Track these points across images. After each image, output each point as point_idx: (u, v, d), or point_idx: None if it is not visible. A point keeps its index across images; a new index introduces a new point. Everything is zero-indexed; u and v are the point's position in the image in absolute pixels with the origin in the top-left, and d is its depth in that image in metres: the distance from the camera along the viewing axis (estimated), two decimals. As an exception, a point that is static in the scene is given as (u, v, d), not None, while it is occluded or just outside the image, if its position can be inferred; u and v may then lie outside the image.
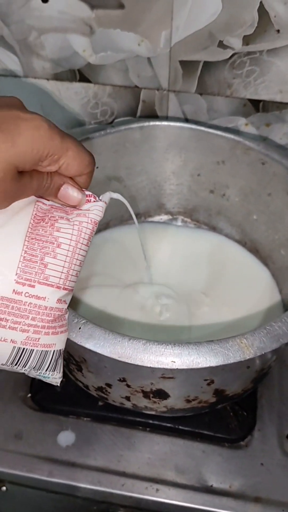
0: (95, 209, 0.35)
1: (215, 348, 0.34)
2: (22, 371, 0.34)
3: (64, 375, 0.48)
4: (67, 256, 0.33)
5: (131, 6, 0.49)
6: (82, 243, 0.34)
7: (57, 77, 0.56)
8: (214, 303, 0.52)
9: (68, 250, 0.33)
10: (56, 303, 0.33)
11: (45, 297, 0.32)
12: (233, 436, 0.47)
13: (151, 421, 0.47)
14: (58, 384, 0.37)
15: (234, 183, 0.52)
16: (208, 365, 0.34)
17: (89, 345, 0.35)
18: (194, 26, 0.50)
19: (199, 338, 0.48)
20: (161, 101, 0.56)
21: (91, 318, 0.36)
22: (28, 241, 0.32)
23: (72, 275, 0.34)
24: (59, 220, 0.34)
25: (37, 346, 0.33)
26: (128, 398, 0.42)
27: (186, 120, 0.56)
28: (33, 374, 0.35)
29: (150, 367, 0.35)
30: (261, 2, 0.47)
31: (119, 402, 0.43)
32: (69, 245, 0.33)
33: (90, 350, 0.35)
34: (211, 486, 0.44)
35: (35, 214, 0.34)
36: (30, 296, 0.32)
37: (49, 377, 0.36)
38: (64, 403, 0.48)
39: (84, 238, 0.34)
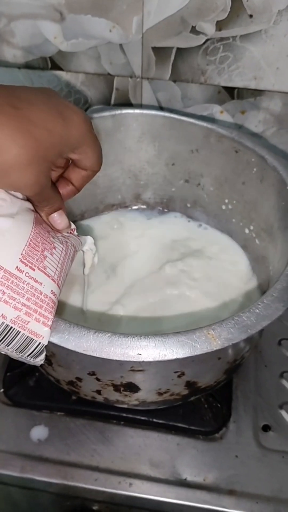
0: (74, 240, 0.40)
1: (182, 340, 0.34)
2: (5, 350, 0.34)
3: (36, 369, 0.48)
4: (59, 258, 0.37)
5: (101, -9, 0.48)
6: (68, 257, 0.38)
7: (29, 65, 0.55)
8: (193, 290, 0.51)
9: (60, 254, 0.37)
10: (50, 293, 0.34)
11: (42, 283, 0.34)
12: (207, 429, 0.46)
13: (124, 415, 0.46)
14: (38, 365, 0.36)
15: (209, 172, 0.52)
16: (175, 357, 0.33)
17: (54, 339, 0.34)
18: (165, 12, 0.48)
19: (177, 328, 0.47)
20: (135, 89, 0.55)
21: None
22: (33, 232, 0.36)
23: (62, 277, 0.36)
24: (51, 233, 0.38)
25: (24, 330, 0.33)
26: (99, 392, 0.41)
27: (161, 108, 0.55)
28: (14, 356, 0.35)
29: (118, 360, 0.34)
30: (233, -14, 0.46)
31: (90, 396, 0.43)
32: (61, 251, 0.37)
33: (56, 344, 0.34)
34: (185, 479, 0.44)
35: (36, 217, 0.37)
36: (30, 277, 0.34)
37: (30, 361, 0.36)
38: (37, 398, 0.48)
39: (69, 254, 0.38)
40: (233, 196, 0.51)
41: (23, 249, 0.34)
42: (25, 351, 0.34)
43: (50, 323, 0.34)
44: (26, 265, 0.34)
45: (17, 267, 0.33)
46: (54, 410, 0.47)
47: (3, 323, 0.33)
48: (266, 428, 0.47)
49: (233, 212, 0.52)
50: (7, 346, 0.34)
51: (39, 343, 0.34)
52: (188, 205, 0.56)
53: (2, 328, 0.33)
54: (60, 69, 0.54)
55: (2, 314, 0.33)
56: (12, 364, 0.49)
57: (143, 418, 0.46)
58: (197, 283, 0.51)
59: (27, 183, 0.33)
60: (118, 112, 0.50)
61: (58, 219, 0.38)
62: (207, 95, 0.53)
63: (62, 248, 0.38)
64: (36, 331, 0.34)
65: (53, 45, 0.53)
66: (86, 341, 0.34)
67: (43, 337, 0.34)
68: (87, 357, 0.34)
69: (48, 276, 0.35)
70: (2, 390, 0.48)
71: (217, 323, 0.35)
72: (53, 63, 0.54)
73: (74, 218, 0.56)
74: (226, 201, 0.52)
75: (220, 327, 0.34)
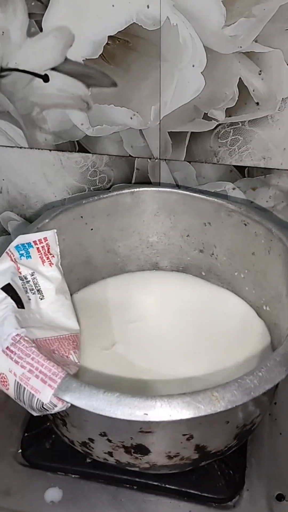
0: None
1: (187, 401, 0.35)
2: (26, 407, 0.38)
3: (53, 431, 0.50)
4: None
5: (123, 85, 0.54)
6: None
7: (58, 148, 0.61)
8: (207, 352, 0.52)
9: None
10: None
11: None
12: (220, 496, 0.46)
13: (137, 479, 0.47)
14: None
15: (221, 243, 0.55)
16: (179, 418, 0.35)
17: (66, 397, 0.36)
18: (180, 101, 0.54)
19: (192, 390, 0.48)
20: (153, 169, 0.60)
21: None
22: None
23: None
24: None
25: (27, 386, 0.37)
26: (111, 454, 0.43)
27: (178, 186, 0.60)
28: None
29: (127, 421, 0.36)
30: (240, 78, 0.51)
31: (103, 458, 0.44)
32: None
33: (68, 402, 0.36)
34: None
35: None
36: None
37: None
38: (53, 460, 0.49)
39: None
40: (245, 266, 0.54)
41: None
42: (33, 406, 0.37)
43: (49, 381, 0.36)
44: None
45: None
46: (68, 472, 0.48)
47: (15, 380, 0.37)
48: (280, 497, 0.47)
49: (245, 280, 0.55)
50: (23, 403, 0.37)
51: (38, 399, 0.36)
52: (203, 273, 0.59)
53: (15, 385, 0.37)
54: (87, 151, 0.60)
55: (14, 372, 0.37)
56: (30, 425, 0.51)
57: (155, 483, 0.47)
58: (211, 343, 0.53)
59: None
60: (136, 189, 0.55)
61: None
62: (219, 173, 0.58)
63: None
64: (36, 387, 0.36)
65: (80, 131, 0.58)
66: (95, 400, 0.36)
67: (40, 393, 0.36)
68: (98, 417, 0.36)
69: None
70: (19, 451, 0.50)
71: (221, 385, 0.36)
72: (80, 146, 0.60)
73: (95, 282, 0.60)
74: (238, 270, 0.55)
75: (224, 389, 0.36)
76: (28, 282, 0.46)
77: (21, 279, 0.45)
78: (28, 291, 0.46)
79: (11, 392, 0.38)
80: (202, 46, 0.50)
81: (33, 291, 0.47)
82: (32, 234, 0.48)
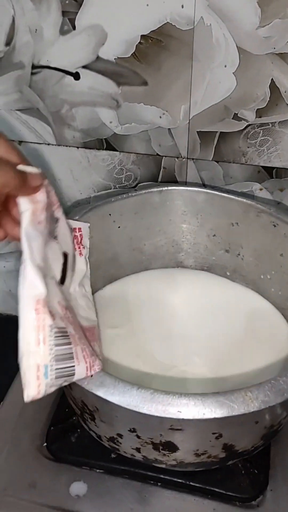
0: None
1: (221, 400, 0.36)
2: (46, 354, 0.35)
3: (78, 425, 0.50)
4: None
5: (153, 84, 0.54)
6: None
7: (86, 145, 0.61)
8: (230, 352, 0.53)
9: None
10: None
11: None
12: (244, 495, 0.47)
13: (162, 476, 0.47)
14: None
15: (248, 243, 0.55)
16: (213, 416, 0.35)
17: (100, 392, 0.37)
18: (211, 101, 0.54)
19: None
20: (180, 168, 0.60)
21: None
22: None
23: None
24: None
25: (77, 346, 0.37)
26: (138, 450, 0.43)
27: (204, 185, 0.60)
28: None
29: (158, 418, 0.36)
30: (272, 79, 0.51)
31: (130, 454, 0.44)
32: None
33: (101, 399, 0.37)
34: None
35: None
36: None
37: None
38: (78, 454, 0.49)
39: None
40: (272, 267, 0.54)
41: None
42: (60, 365, 0.36)
43: (88, 360, 0.37)
44: None
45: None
46: (93, 467, 0.49)
47: (64, 328, 0.36)
48: (303, 499, 0.47)
49: (272, 281, 0.55)
50: (52, 348, 0.35)
51: (73, 366, 0.36)
52: (228, 273, 0.59)
53: (61, 329, 0.36)
54: (114, 149, 0.60)
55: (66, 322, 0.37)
56: (56, 419, 0.51)
57: (180, 480, 0.47)
58: (235, 343, 0.53)
59: None
60: (164, 188, 0.55)
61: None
62: (247, 174, 0.58)
63: None
64: (78, 356, 0.36)
65: (109, 129, 0.59)
66: (129, 396, 0.36)
67: (79, 365, 0.36)
68: (129, 413, 0.36)
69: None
70: (45, 444, 0.51)
71: (254, 386, 0.37)
72: (108, 144, 0.60)
73: (118, 278, 0.60)
74: (265, 271, 0.55)
75: (257, 390, 0.36)
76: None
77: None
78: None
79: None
80: (235, 47, 0.50)
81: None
82: (71, 220, 0.48)
